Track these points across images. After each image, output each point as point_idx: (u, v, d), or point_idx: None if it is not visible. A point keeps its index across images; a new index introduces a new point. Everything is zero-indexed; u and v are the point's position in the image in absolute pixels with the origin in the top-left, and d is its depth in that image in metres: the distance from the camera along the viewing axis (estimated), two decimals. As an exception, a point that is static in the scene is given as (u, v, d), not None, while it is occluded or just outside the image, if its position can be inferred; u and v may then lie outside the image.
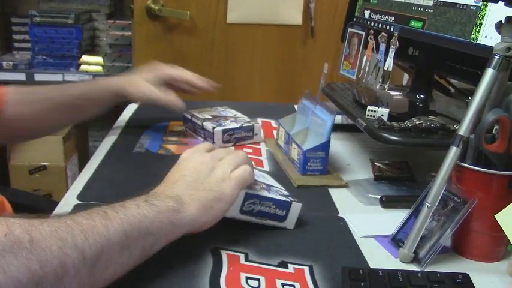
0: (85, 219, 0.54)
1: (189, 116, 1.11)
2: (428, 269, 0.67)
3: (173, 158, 0.76)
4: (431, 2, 0.91)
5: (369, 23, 1.09)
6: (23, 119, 0.97)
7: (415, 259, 0.68)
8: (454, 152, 0.67)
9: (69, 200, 0.81)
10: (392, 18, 1.02)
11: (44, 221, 0.51)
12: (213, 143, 1.02)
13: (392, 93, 1.06)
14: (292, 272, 0.64)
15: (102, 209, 0.57)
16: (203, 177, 0.67)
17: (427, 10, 0.92)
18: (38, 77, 2.18)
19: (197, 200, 0.64)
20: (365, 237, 0.74)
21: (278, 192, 0.76)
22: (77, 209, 0.77)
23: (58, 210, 0.78)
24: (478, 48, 0.79)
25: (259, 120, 1.26)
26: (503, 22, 0.66)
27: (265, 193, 0.73)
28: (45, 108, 0.98)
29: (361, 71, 1.05)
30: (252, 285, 0.61)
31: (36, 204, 1.15)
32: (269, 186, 0.77)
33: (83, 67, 2.23)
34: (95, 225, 0.53)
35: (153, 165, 0.95)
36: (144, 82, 1.05)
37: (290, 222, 0.74)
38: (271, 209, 0.72)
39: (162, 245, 0.61)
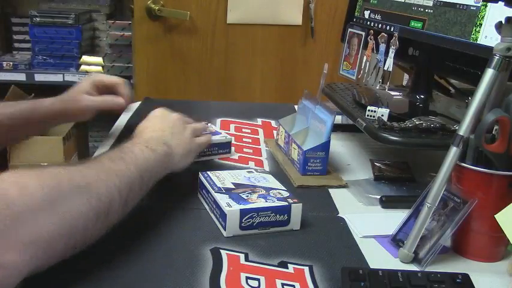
0: (114, 164, 0.67)
1: None
2: (428, 269, 0.67)
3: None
4: (431, 3, 0.91)
5: (369, 23, 1.09)
6: None
7: (415, 259, 0.68)
8: (454, 152, 0.67)
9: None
10: (393, 19, 1.02)
11: (89, 166, 0.64)
12: None
13: (392, 93, 1.06)
14: (292, 272, 0.64)
15: (119, 153, 0.70)
16: (181, 131, 0.86)
17: (427, 10, 0.92)
18: (38, 77, 2.19)
19: (181, 147, 0.82)
20: (365, 237, 0.74)
21: (276, 196, 0.76)
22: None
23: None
24: (478, 49, 0.79)
25: (260, 120, 1.26)
26: (503, 22, 0.66)
27: (261, 203, 0.73)
28: None
29: (361, 71, 1.05)
30: (252, 285, 0.61)
31: None
32: (268, 189, 0.77)
33: (83, 67, 2.23)
34: (122, 169, 0.67)
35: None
36: (82, 95, 1.02)
37: (295, 224, 0.74)
38: (272, 217, 0.72)
39: (157, 180, 0.75)
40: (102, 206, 0.61)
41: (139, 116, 1.25)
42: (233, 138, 1.04)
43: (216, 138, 0.99)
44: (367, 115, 0.91)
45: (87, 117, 1.05)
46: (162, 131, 0.83)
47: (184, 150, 0.83)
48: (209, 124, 1.07)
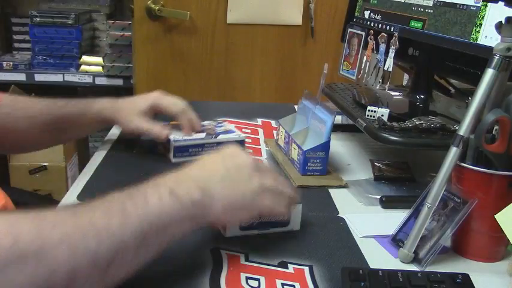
0: (102, 216, 0.52)
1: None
2: (428, 269, 0.67)
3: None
4: (431, 3, 0.91)
5: (369, 23, 1.09)
6: (2, 135, 0.94)
7: (415, 259, 0.68)
8: (454, 152, 0.67)
9: (69, 201, 0.81)
10: (393, 19, 1.02)
11: (56, 223, 0.49)
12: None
13: (393, 93, 1.06)
14: (292, 272, 0.64)
15: (122, 200, 0.55)
16: (243, 179, 0.64)
17: (427, 10, 0.92)
18: (38, 77, 2.18)
19: (225, 200, 0.62)
20: (365, 237, 0.74)
21: None
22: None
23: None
24: (478, 49, 0.79)
25: (260, 120, 1.26)
26: (503, 22, 0.66)
27: None
28: (26, 127, 0.94)
29: (361, 71, 1.05)
30: (252, 285, 0.61)
31: (38, 204, 1.15)
32: None
33: (83, 67, 2.23)
34: (111, 225, 0.52)
35: (154, 165, 0.95)
36: (134, 115, 0.97)
37: (295, 224, 0.74)
38: (272, 217, 0.72)
39: (178, 237, 0.59)
40: (56, 280, 0.47)
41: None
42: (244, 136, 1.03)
43: (229, 136, 0.98)
44: (367, 115, 0.91)
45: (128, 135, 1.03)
46: (214, 171, 0.64)
47: (232, 203, 0.62)
48: (223, 122, 1.06)
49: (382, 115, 0.89)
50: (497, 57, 0.66)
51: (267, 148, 1.08)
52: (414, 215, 0.71)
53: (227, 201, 0.62)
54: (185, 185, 0.60)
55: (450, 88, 1.06)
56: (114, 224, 0.52)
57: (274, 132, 1.17)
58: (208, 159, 0.66)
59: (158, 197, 0.57)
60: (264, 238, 0.72)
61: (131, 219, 0.53)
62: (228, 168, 0.64)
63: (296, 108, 1.10)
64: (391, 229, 0.74)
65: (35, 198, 1.33)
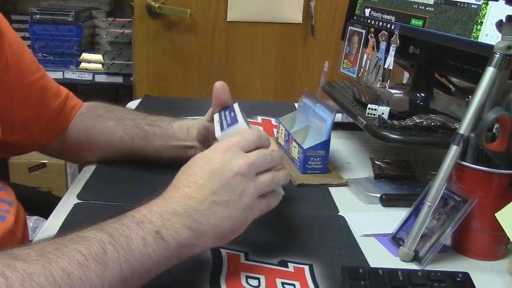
0: (78, 264, 0.47)
1: None
2: (429, 267, 0.67)
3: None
4: (432, 1, 0.91)
5: (369, 21, 1.09)
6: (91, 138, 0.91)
7: (415, 258, 0.68)
8: (454, 150, 0.67)
9: (69, 200, 0.80)
10: (393, 17, 1.01)
11: (28, 276, 0.45)
12: None
13: (393, 91, 1.06)
14: (292, 271, 0.64)
15: (102, 241, 0.50)
16: (233, 201, 0.58)
17: (427, 8, 0.92)
18: (38, 74, 2.18)
19: (216, 232, 0.58)
20: (365, 235, 0.74)
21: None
22: (76, 208, 0.77)
23: (58, 210, 0.77)
24: (479, 47, 0.79)
25: (260, 118, 1.26)
26: (503, 20, 0.66)
27: None
28: (114, 132, 0.90)
29: (362, 69, 1.05)
30: (252, 285, 0.61)
31: (38, 200, 1.15)
32: None
33: (82, 65, 2.23)
34: (88, 276, 0.47)
35: (154, 164, 0.95)
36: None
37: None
38: None
39: (161, 272, 0.56)
40: None
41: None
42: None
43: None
44: (368, 113, 0.91)
45: None
46: (200, 199, 0.57)
47: (223, 232, 0.58)
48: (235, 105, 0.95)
49: (383, 113, 0.89)
50: (497, 55, 0.66)
51: (267, 146, 1.08)
52: (414, 214, 0.71)
53: (216, 232, 0.58)
54: (171, 223, 0.55)
55: (451, 86, 1.06)
56: (91, 274, 0.48)
57: (274, 130, 1.16)
58: (193, 179, 0.59)
59: (142, 240, 0.52)
60: (264, 237, 0.72)
61: (111, 267, 0.49)
62: (216, 191, 0.58)
63: (296, 106, 1.10)
64: (391, 228, 0.74)
65: (35, 194, 1.33)
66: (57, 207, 0.78)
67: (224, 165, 0.59)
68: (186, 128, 0.88)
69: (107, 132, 0.90)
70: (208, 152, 0.63)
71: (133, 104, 1.35)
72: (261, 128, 1.19)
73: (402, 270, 0.61)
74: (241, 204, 0.59)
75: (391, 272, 0.61)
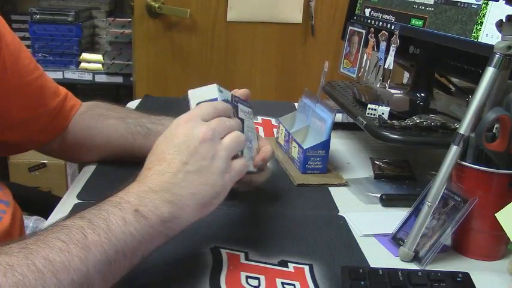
0: (59, 251, 0.47)
1: None
2: (429, 267, 0.67)
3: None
4: (432, 1, 0.91)
5: (369, 21, 1.09)
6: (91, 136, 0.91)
7: (415, 258, 0.68)
8: (454, 150, 0.67)
9: (69, 199, 0.80)
10: (393, 17, 1.01)
11: (9, 267, 0.45)
12: None
13: (393, 91, 1.06)
14: (292, 271, 0.64)
15: (81, 226, 0.50)
16: (206, 166, 0.59)
17: (428, 8, 0.92)
18: (38, 74, 2.18)
19: (197, 200, 0.58)
20: (365, 236, 0.74)
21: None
22: (76, 208, 0.77)
23: (58, 210, 0.77)
24: (479, 47, 0.79)
25: (260, 118, 1.26)
26: (503, 20, 0.66)
27: None
28: (113, 131, 0.90)
29: (362, 69, 1.05)
30: (252, 285, 0.61)
31: (38, 200, 1.15)
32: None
33: (82, 65, 2.23)
34: (71, 260, 0.47)
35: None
36: None
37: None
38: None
39: (150, 252, 0.56)
40: None
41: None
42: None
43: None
44: (368, 113, 0.91)
45: None
46: (174, 173, 0.58)
47: (204, 200, 0.59)
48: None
49: (383, 113, 0.89)
50: (497, 55, 0.66)
51: (267, 146, 1.08)
52: (414, 214, 0.71)
53: (198, 201, 0.58)
54: (149, 200, 0.55)
55: (451, 86, 1.06)
56: (74, 259, 0.47)
57: (274, 130, 1.16)
58: (161, 156, 0.60)
59: (121, 220, 0.52)
60: (264, 237, 0.71)
61: (94, 250, 0.49)
62: (187, 161, 0.58)
63: (296, 106, 1.10)
64: (391, 228, 0.74)
65: (35, 194, 1.33)
66: (57, 207, 0.79)
67: (188, 136, 0.60)
68: None
69: (108, 131, 0.89)
70: (169, 129, 0.63)
71: (133, 104, 1.35)
72: (261, 128, 1.19)
73: (402, 270, 0.61)
74: (216, 168, 0.59)
75: (391, 272, 0.61)
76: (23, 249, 0.47)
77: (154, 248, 0.56)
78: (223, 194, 0.61)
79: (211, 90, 0.70)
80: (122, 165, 0.93)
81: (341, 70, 1.13)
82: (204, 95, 0.70)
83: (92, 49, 2.32)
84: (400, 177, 0.95)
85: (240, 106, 0.73)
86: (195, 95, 0.71)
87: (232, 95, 0.71)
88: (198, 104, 0.68)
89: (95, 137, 0.91)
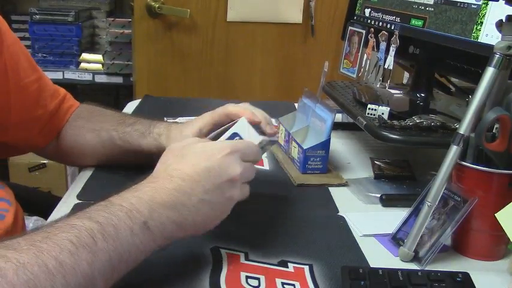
0: (70, 253, 0.48)
1: None
2: (429, 267, 0.67)
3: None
4: (432, 1, 0.91)
5: (369, 21, 1.09)
6: (70, 147, 0.91)
7: (415, 258, 0.68)
8: (454, 150, 0.67)
9: (69, 200, 0.80)
10: (393, 17, 1.01)
11: (21, 265, 0.45)
12: None
13: (393, 91, 1.06)
14: (292, 271, 0.64)
15: (91, 230, 0.51)
16: (220, 203, 0.61)
17: (427, 8, 0.92)
18: (38, 74, 2.18)
19: (198, 228, 0.60)
20: (365, 236, 0.74)
21: None
22: (76, 208, 0.77)
23: (58, 210, 0.77)
24: (479, 47, 0.79)
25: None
26: (503, 20, 0.66)
27: None
28: (94, 142, 0.89)
29: (362, 70, 1.05)
30: (252, 285, 0.61)
31: (38, 201, 1.15)
32: None
33: (82, 65, 2.23)
34: (80, 264, 0.48)
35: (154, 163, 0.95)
36: (181, 137, 0.82)
37: None
38: None
39: (144, 259, 0.57)
40: None
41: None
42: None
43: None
44: (368, 113, 0.91)
45: None
46: (191, 195, 0.59)
47: (206, 228, 0.61)
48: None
49: (383, 113, 0.89)
50: (497, 55, 0.66)
51: (267, 146, 1.08)
52: (414, 214, 0.71)
53: (198, 228, 0.61)
54: (159, 215, 0.56)
55: (450, 86, 1.06)
56: (83, 263, 0.49)
57: (274, 130, 1.16)
58: (189, 172, 0.60)
59: (130, 230, 0.53)
60: (264, 237, 0.71)
61: (101, 256, 0.50)
62: (208, 191, 0.60)
63: (296, 106, 1.10)
64: (391, 228, 0.74)
65: (35, 194, 1.33)
66: (57, 208, 0.79)
67: (223, 168, 0.61)
68: (154, 143, 0.84)
69: (89, 145, 0.90)
70: (210, 147, 0.64)
71: (133, 104, 1.35)
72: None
73: (402, 270, 0.61)
74: (226, 208, 0.62)
75: (391, 272, 0.61)
76: (32, 247, 0.48)
77: (148, 256, 0.57)
78: (223, 216, 0.63)
79: (256, 139, 0.71)
80: (122, 165, 0.93)
81: (341, 70, 1.13)
82: (250, 134, 0.71)
83: (92, 49, 2.32)
84: (400, 177, 0.95)
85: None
86: (245, 126, 0.73)
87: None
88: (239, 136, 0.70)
89: (82, 147, 0.91)
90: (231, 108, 0.80)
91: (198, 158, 0.62)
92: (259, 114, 0.79)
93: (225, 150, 0.62)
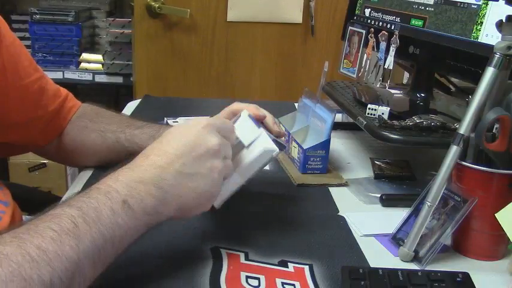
0: (52, 240, 0.48)
1: None
2: (429, 267, 0.67)
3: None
4: (432, 1, 0.91)
5: (369, 21, 1.09)
6: (74, 147, 0.91)
7: (415, 258, 0.68)
8: (454, 150, 0.67)
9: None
10: (393, 17, 1.01)
11: (4, 257, 0.45)
12: None
13: (393, 91, 1.06)
14: (292, 271, 0.64)
15: (72, 215, 0.51)
16: (201, 174, 0.60)
17: (427, 8, 0.92)
18: (38, 74, 2.18)
19: (180, 203, 0.59)
20: (365, 236, 0.74)
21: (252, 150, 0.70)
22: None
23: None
24: (479, 47, 0.79)
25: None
26: (503, 21, 0.66)
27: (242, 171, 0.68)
28: (99, 142, 0.89)
29: (362, 70, 1.05)
30: (252, 285, 0.61)
31: (38, 201, 1.15)
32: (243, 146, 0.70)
33: (82, 65, 2.23)
34: (64, 250, 0.48)
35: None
36: None
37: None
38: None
39: (134, 241, 0.57)
40: None
41: (139, 115, 1.25)
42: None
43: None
44: (368, 113, 0.91)
45: None
46: (170, 167, 0.59)
47: (186, 204, 0.60)
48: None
49: (383, 113, 0.89)
50: (497, 55, 0.66)
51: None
52: (414, 214, 0.71)
53: (180, 204, 0.59)
54: (137, 191, 0.56)
55: (451, 86, 1.06)
56: (66, 248, 0.49)
57: (274, 130, 1.16)
58: (165, 148, 0.60)
59: (110, 210, 0.53)
60: (264, 237, 0.71)
61: (84, 239, 0.50)
62: (185, 163, 0.59)
63: (296, 106, 1.10)
64: (391, 228, 0.74)
65: (35, 194, 1.33)
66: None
67: (198, 139, 0.61)
68: None
69: (93, 145, 0.90)
70: (185, 125, 0.64)
71: (133, 104, 1.35)
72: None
73: (402, 270, 0.61)
74: (210, 179, 0.61)
75: (391, 272, 0.61)
76: (15, 239, 0.48)
77: (137, 237, 0.57)
78: (205, 207, 0.62)
79: (255, 130, 0.71)
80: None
81: (341, 70, 1.13)
82: (248, 132, 0.71)
83: (92, 49, 2.32)
84: (400, 177, 0.95)
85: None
86: (245, 119, 0.73)
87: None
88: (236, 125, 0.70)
89: (85, 147, 0.90)
90: (236, 105, 0.81)
91: (174, 135, 0.62)
92: (266, 113, 0.80)
93: (201, 124, 0.63)
